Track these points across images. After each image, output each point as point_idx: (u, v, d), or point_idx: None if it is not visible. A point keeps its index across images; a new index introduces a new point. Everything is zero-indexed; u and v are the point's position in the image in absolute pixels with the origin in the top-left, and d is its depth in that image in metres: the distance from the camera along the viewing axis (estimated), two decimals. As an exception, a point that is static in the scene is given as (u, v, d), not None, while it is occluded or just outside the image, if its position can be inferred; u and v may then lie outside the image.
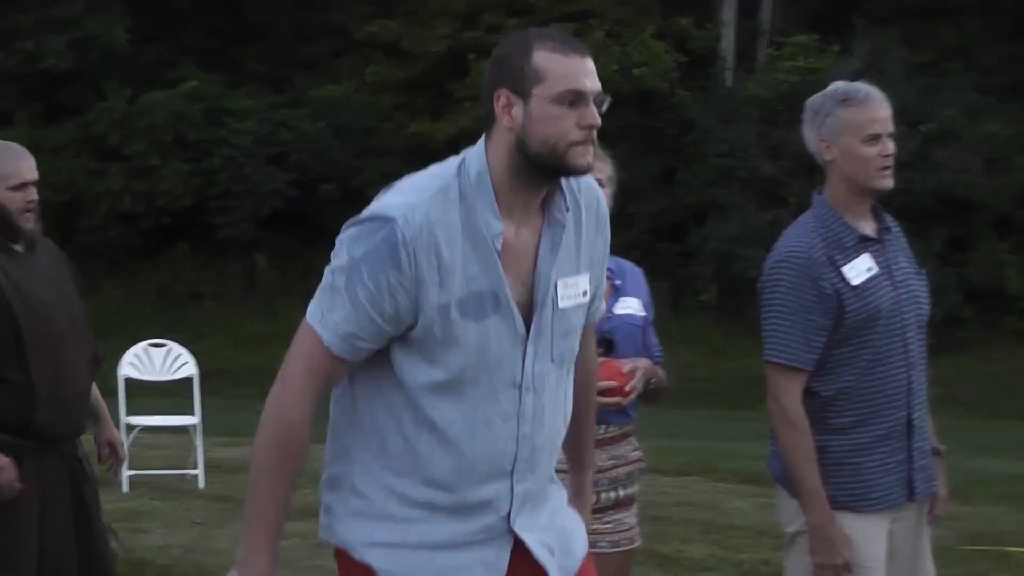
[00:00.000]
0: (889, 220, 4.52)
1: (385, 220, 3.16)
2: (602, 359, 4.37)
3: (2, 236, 5.06)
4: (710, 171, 24.89)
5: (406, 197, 3.21)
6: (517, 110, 3.18)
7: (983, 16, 27.12)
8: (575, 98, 3.22)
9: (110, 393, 10.26)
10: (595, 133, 3.25)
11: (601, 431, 4.44)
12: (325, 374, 3.23)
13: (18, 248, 5.09)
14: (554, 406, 3.31)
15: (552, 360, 3.27)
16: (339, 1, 26.86)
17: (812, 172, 24.97)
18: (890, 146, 4.42)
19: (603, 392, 4.35)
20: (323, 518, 3.38)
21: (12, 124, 25.60)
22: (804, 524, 4.35)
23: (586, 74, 3.27)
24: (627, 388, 4.47)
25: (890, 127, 4.44)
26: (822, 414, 4.33)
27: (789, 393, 4.30)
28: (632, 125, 26.16)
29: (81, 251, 25.73)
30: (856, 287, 4.31)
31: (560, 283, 3.26)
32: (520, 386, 3.22)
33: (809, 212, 4.48)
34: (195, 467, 11.19)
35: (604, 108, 3.31)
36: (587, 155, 3.23)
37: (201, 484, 11.09)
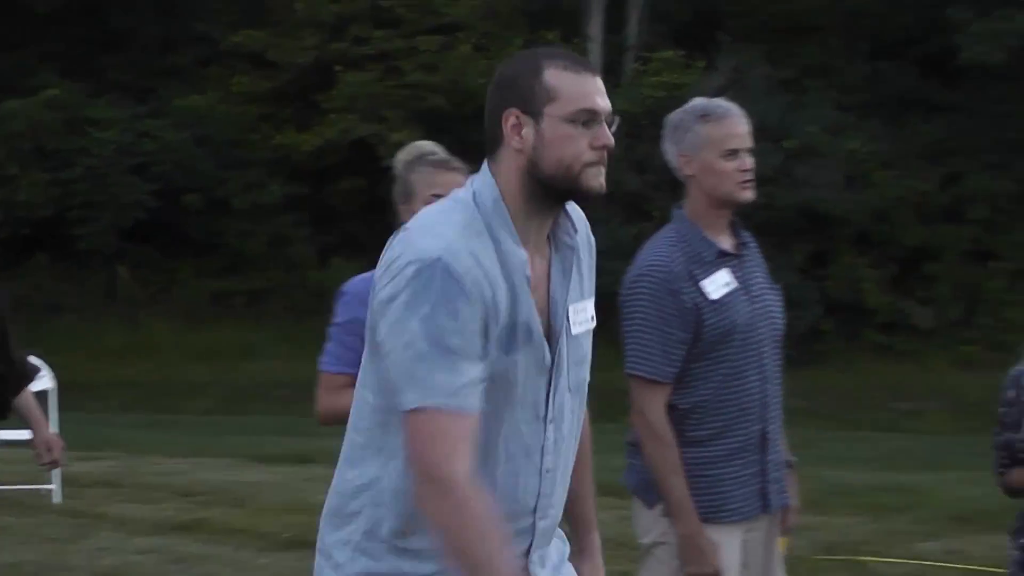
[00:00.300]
0: (746, 236, 4.57)
1: (433, 262, 2.93)
2: None
3: None
4: (575, 185, 25.02)
5: (439, 238, 2.98)
6: (528, 131, 3.08)
7: (844, 35, 27.55)
8: (589, 118, 3.14)
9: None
10: (607, 154, 3.19)
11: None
12: (466, 443, 2.94)
13: None
14: (571, 438, 3.21)
15: (569, 389, 3.17)
16: (204, 10, 26.63)
17: (677, 186, 25.05)
18: (748, 161, 4.46)
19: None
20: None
21: None
22: (660, 536, 4.39)
23: (598, 93, 3.19)
24: None
25: (749, 143, 4.48)
26: (679, 427, 4.37)
27: (653, 406, 4.34)
28: (499, 138, 26.25)
29: (-63, 261, 25.30)
30: (714, 301, 4.36)
31: (571, 309, 3.17)
32: (544, 418, 3.10)
33: (669, 226, 4.53)
34: (51, 482, 11.01)
35: (614, 128, 3.24)
36: (600, 176, 3.17)
37: (57, 499, 10.91)
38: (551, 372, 3.11)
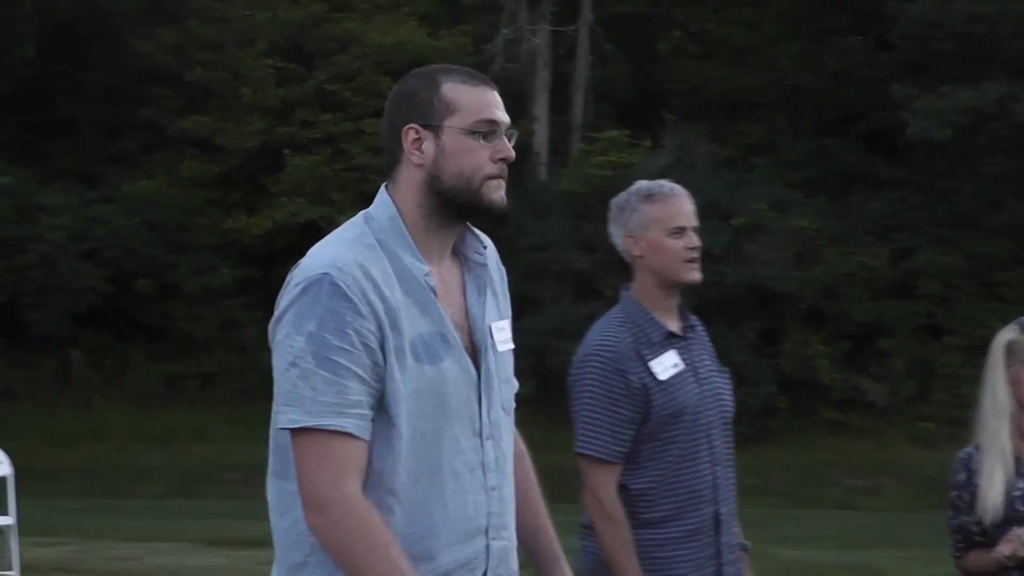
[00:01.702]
0: (693, 319, 4.60)
1: (319, 277, 2.92)
2: None
3: None
4: (524, 265, 25.09)
5: (326, 253, 2.98)
6: (428, 144, 3.06)
7: (788, 112, 27.86)
8: (489, 129, 3.14)
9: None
10: (507, 169, 3.18)
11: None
12: (353, 466, 2.89)
13: None
14: (510, 459, 3.19)
15: (503, 408, 3.19)
16: (150, 96, 26.72)
17: (627, 266, 25.30)
18: (695, 239, 4.50)
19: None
20: None
21: None
22: None
23: (497, 105, 3.18)
24: None
25: (694, 221, 4.53)
26: (631, 508, 4.38)
27: (604, 486, 4.35)
28: (448, 220, 26.35)
29: None
30: (663, 382, 4.38)
31: (493, 327, 3.18)
32: (481, 434, 3.09)
33: (617, 307, 4.56)
34: (10, 568, 10.95)
35: (513, 142, 3.24)
36: (501, 190, 3.16)
37: (16, 586, 10.86)
38: (479, 387, 3.11)
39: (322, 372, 2.89)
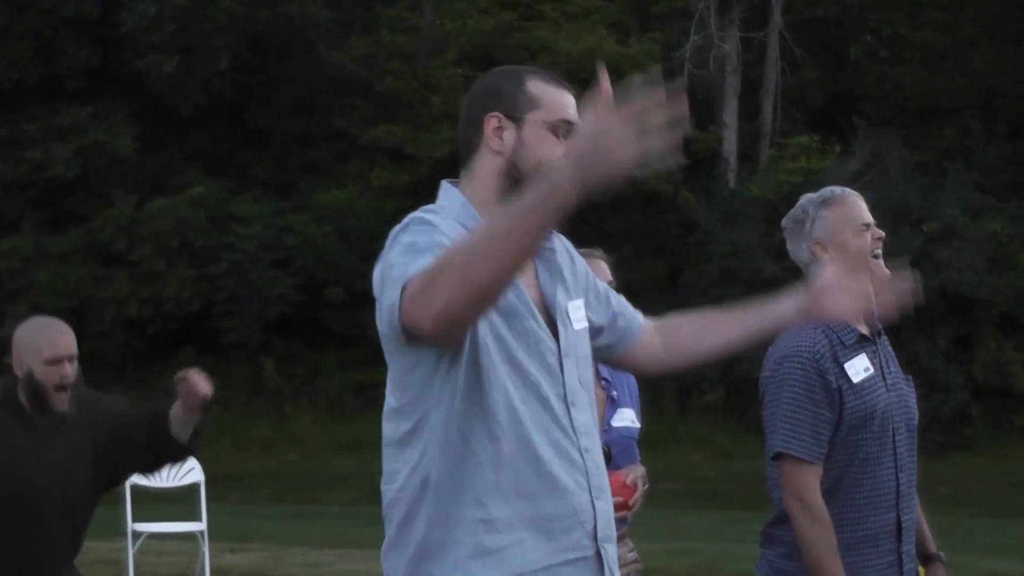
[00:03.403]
0: (879, 324, 4.56)
1: (426, 221, 3.24)
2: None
3: (32, 409, 5.01)
4: (714, 272, 24.94)
5: (431, 217, 3.26)
6: (509, 134, 3.26)
7: (982, 116, 27.32)
8: (567, 129, 3.26)
9: (116, 500, 10.26)
10: None
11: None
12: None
13: (42, 422, 5.03)
14: (594, 431, 3.28)
15: (580, 383, 3.27)
16: (341, 107, 27.06)
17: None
18: (879, 231, 4.51)
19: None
20: None
21: (19, 232, 25.73)
22: None
23: (575, 108, 3.31)
24: (631, 502, 4.45)
25: (871, 217, 4.54)
26: None
27: (808, 486, 4.31)
28: (636, 227, 26.28)
29: (88, 358, 25.71)
30: (855, 385, 4.37)
31: (569, 306, 3.31)
32: (566, 399, 3.20)
33: None
34: (202, 573, 11.14)
35: None
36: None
37: (208, 590, 11.04)
38: (560, 359, 3.20)
39: (406, 257, 3.21)
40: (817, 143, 25.65)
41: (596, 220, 25.91)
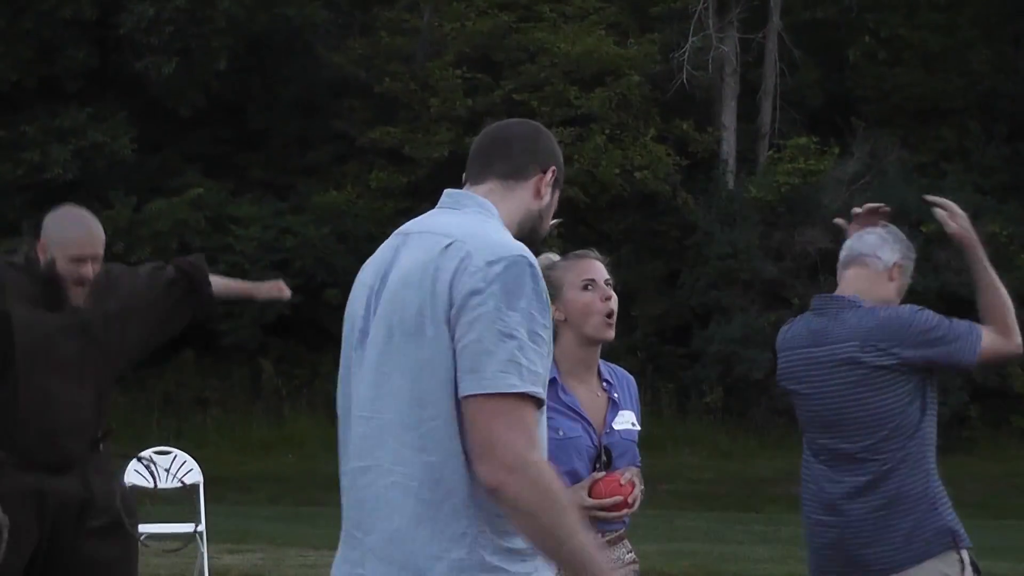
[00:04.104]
0: None
1: (518, 259, 3.21)
2: (601, 474, 4.38)
3: (46, 297, 5.08)
4: (713, 273, 24.97)
5: (508, 240, 3.30)
6: (548, 192, 3.50)
7: (981, 117, 27.34)
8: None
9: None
10: None
11: (599, 538, 4.41)
12: (540, 433, 3.18)
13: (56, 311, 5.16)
14: None
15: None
16: (340, 108, 27.07)
17: (815, 273, 25.10)
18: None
19: (610, 508, 4.35)
20: None
21: (18, 234, 25.71)
22: None
23: None
24: (630, 500, 4.45)
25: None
26: None
27: None
28: (635, 228, 26.30)
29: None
30: None
31: None
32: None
33: None
34: (201, 574, 11.15)
35: None
36: None
37: (207, 591, 11.04)
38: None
39: (532, 345, 3.11)
40: (816, 144, 25.68)
41: (594, 221, 25.94)
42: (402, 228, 3.54)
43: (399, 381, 3.16)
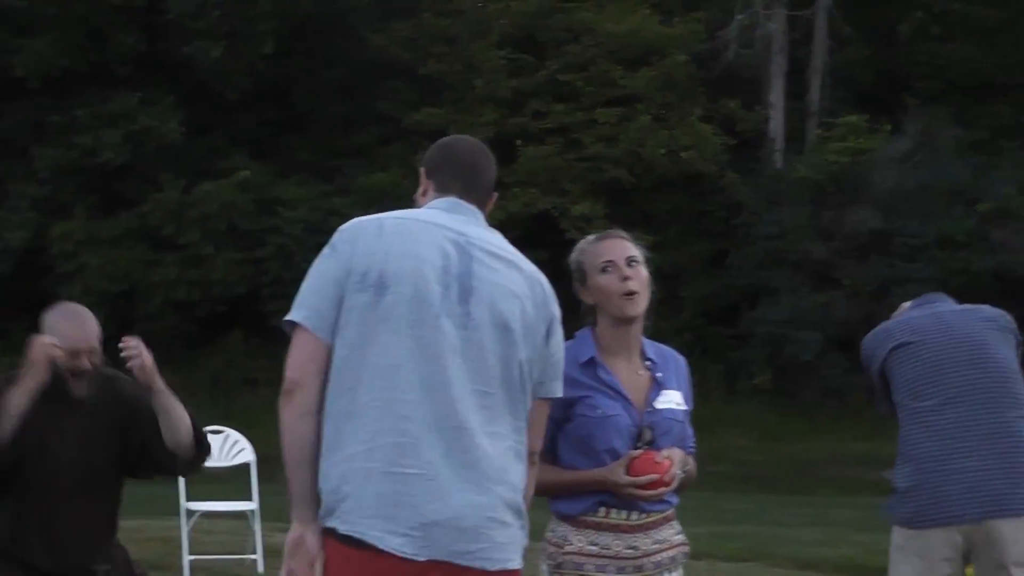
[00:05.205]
0: None
1: None
2: (638, 451, 4.37)
3: (50, 391, 5.19)
4: (760, 253, 24.85)
5: None
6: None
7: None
8: None
9: (170, 481, 10.32)
10: None
11: (643, 516, 4.41)
12: None
13: (60, 403, 5.26)
14: None
15: None
16: (385, 90, 27.09)
17: (866, 253, 24.92)
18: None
19: (646, 485, 4.34)
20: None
21: (71, 217, 25.91)
22: None
23: None
24: (666, 478, 4.43)
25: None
26: None
27: None
28: (681, 208, 26.22)
29: (136, 341, 25.92)
30: None
31: None
32: None
33: None
34: (254, 552, 11.20)
35: None
36: None
37: (260, 569, 11.08)
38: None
39: None
40: (866, 122, 25.47)
41: (640, 202, 25.88)
42: (443, 224, 4.08)
43: (511, 370, 3.79)
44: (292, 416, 3.78)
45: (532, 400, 3.81)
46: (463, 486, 3.67)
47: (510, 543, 3.74)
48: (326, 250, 3.95)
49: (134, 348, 5.16)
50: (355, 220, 4.01)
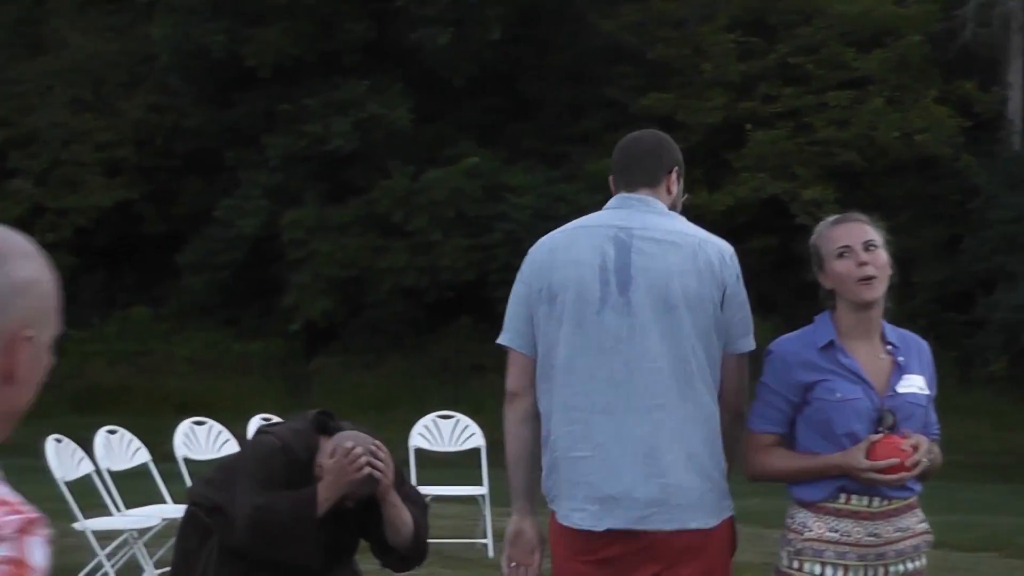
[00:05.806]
0: None
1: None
2: (878, 435, 4.30)
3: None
4: (996, 238, 24.27)
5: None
6: (676, 188, 4.76)
7: None
8: None
9: (402, 463, 10.46)
10: None
11: (885, 503, 4.35)
12: None
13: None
14: None
15: None
16: (612, 75, 27.05)
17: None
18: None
19: (886, 470, 4.27)
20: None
21: (301, 204, 26.41)
22: None
23: None
24: (909, 463, 4.35)
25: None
26: None
27: None
28: (914, 192, 25.73)
29: (367, 326, 26.34)
30: None
31: None
32: None
33: None
34: (484, 536, 11.29)
35: None
36: None
37: (490, 554, 11.17)
38: None
39: None
40: (1107, 102, 24.74)
41: (872, 186, 25.45)
42: (606, 223, 4.47)
43: (680, 344, 4.21)
44: (513, 422, 4.57)
45: (726, 357, 4.28)
46: (634, 460, 4.21)
47: (688, 504, 4.18)
48: (518, 275, 4.65)
49: (381, 463, 5.02)
50: (537, 242, 4.69)
